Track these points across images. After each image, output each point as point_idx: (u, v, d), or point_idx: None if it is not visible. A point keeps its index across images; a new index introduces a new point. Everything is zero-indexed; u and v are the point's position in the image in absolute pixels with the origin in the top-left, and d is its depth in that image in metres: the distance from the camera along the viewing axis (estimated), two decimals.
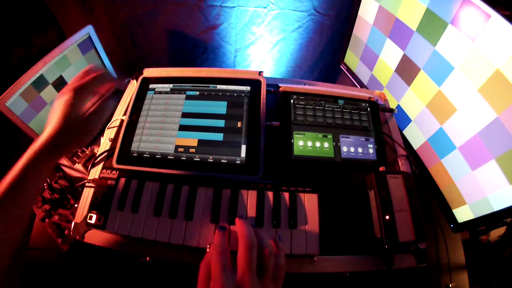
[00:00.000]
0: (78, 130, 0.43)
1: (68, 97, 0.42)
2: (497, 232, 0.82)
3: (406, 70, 0.71)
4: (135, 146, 0.55)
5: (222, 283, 0.31)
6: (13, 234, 0.39)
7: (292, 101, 0.60)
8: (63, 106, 0.42)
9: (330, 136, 0.57)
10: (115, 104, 0.50)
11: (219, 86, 0.61)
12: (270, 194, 0.50)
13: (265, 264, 0.34)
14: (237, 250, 0.35)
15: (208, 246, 0.39)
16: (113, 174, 0.52)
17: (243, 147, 0.54)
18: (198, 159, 0.53)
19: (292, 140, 0.56)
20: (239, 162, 0.53)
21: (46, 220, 0.71)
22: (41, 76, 0.78)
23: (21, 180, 0.38)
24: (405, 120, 0.75)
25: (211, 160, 0.53)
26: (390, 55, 0.75)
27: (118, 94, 0.52)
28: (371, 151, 0.56)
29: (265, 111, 0.57)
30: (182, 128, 0.57)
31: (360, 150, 0.56)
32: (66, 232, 0.70)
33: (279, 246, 0.38)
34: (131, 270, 0.66)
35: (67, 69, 0.85)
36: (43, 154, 0.40)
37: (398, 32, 0.70)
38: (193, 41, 1.14)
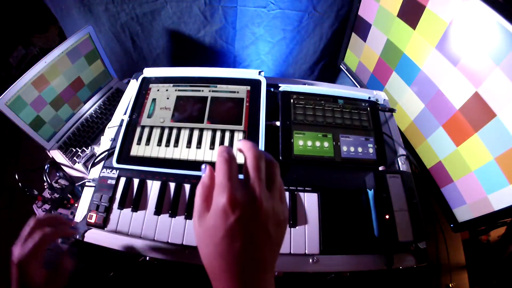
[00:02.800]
0: None
1: (13, 274, 0.36)
2: (497, 232, 0.82)
3: (406, 70, 0.71)
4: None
5: (229, 189, 0.26)
6: None
7: (292, 101, 0.60)
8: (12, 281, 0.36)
9: (330, 136, 0.57)
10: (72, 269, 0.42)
11: (219, 86, 0.61)
12: None
13: (273, 175, 0.29)
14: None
15: (203, 167, 0.30)
16: (113, 173, 0.52)
17: None
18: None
19: (292, 140, 0.56)
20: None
21: None
22: (41, 76, 0.78)
23: None
24: (404, 119, 0.75)
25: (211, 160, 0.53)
26: (390, 55, 0.75)
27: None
28: (371, 150, 0.56)
29: (265, 111, 0.57)
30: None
31: (360, 149, 0.56)
32: None
33: None
34: (131, 270, 0.66)
35: (67, 69, 0.85)
36: None
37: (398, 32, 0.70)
38: (193, 41, 1.14)
